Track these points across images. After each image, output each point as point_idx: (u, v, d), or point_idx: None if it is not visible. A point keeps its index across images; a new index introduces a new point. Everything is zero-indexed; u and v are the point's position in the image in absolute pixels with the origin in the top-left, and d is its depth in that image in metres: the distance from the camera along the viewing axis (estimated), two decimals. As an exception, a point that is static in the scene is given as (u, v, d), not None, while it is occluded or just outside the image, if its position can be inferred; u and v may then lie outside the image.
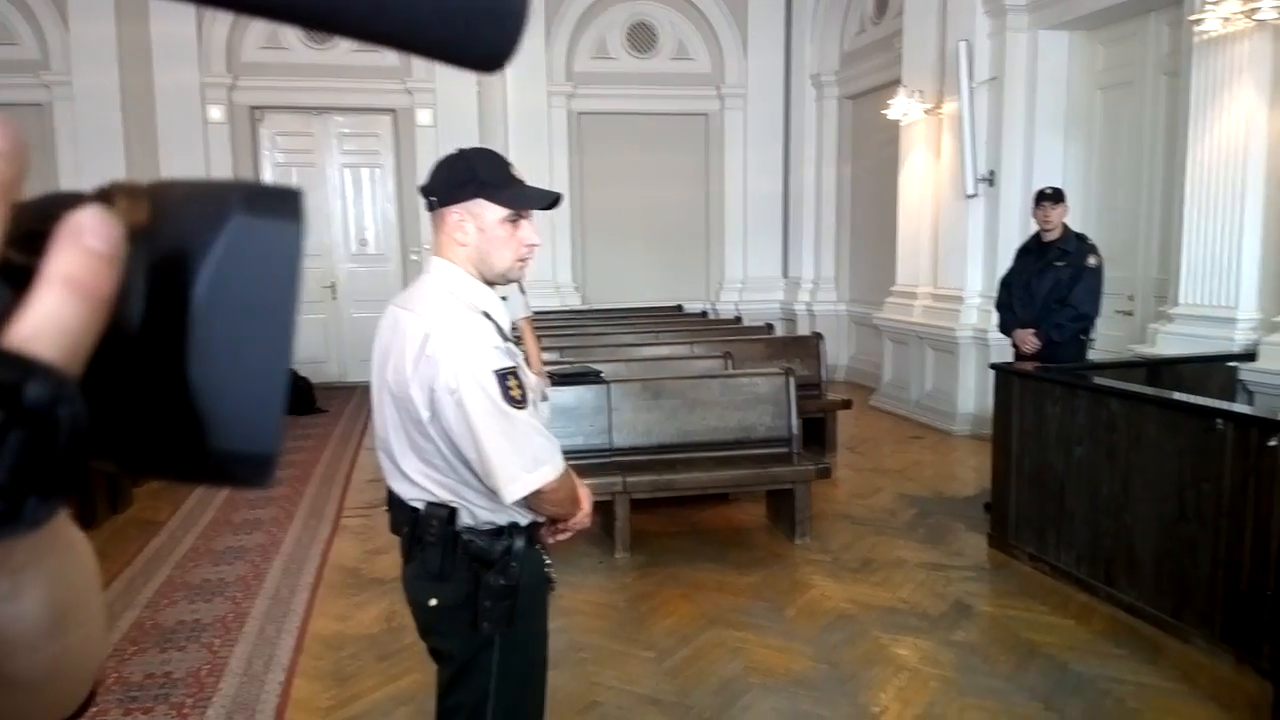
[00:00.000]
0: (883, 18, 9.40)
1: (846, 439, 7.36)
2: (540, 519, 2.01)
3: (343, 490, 6.22)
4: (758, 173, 11.04)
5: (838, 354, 10.24)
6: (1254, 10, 4.88)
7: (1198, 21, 5.20)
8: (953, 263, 7.87)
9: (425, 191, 1.93)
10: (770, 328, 8.56)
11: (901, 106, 8.11)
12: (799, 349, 7.29)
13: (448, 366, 1.79)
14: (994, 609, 4.24)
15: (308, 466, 6.87)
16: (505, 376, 1.80)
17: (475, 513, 1.91)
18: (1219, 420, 3.61)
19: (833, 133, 10.68)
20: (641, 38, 10.77)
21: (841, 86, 10.43)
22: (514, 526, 1.94)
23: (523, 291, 5.36)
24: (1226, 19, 5.03)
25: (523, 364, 1.90)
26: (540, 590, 2.06)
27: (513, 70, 10.06)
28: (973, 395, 7.53)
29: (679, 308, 10.28)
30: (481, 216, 1.88)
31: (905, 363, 8.52)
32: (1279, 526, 3.16)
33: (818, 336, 7.49)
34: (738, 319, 9.39)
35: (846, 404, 7.29)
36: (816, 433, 7.02)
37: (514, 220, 1.90)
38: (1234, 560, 3.55)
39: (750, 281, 11.24)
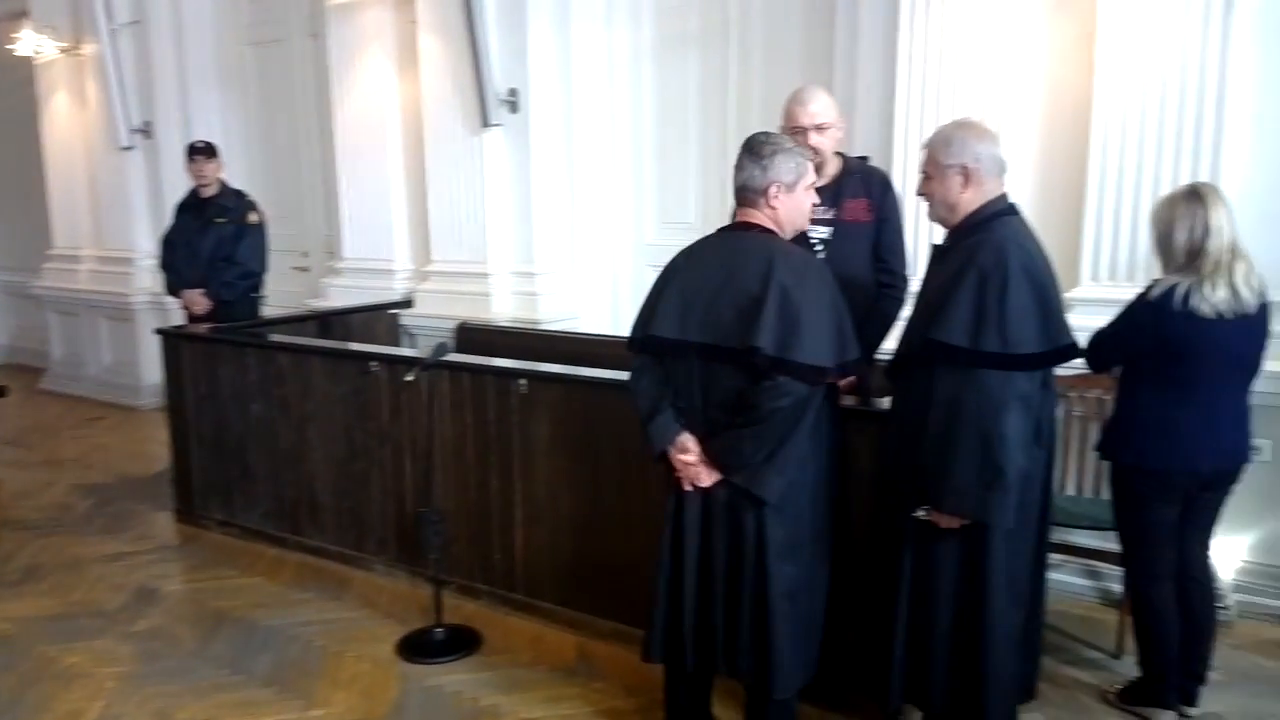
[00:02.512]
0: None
1: (8, 433, 6.28)
2: None
3: None
4: None
5: (-10, 333, 8.64)
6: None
7: (327, -14, 5.46)
8: (116, 221, 7.19)
9: None
10: None
11: (31, 42, 7.00)
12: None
13: None
14: (182, 586, 4.03)
15: None
16: None
17: None
18: (372, 363, 3.90)
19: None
20: None
21: (-45, 10, 8.60)
22: None
23: None
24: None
25: None
26: None
27: None
28: (157, 365, 6.99)
29: None
30: None
31: (78, 336, 7.59)
32: (425, 450, 3.55)
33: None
34: None
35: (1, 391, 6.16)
36: (-40, 431, 5.81)
37: None
38: (398, 487, 3.91)
39: None
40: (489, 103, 4.96)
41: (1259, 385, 2.80)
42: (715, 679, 2.70)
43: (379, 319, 5.45)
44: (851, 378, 2.88)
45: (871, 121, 4.13)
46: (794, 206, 2.48)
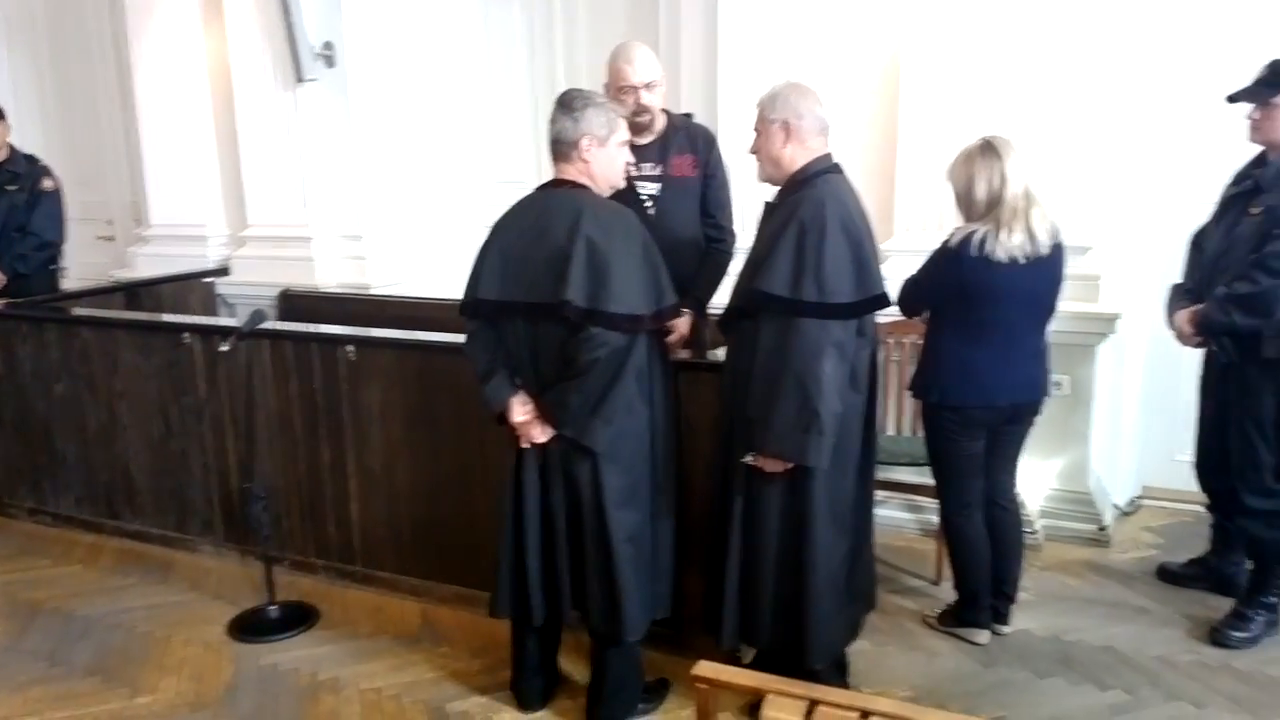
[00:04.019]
0: None
1: None
2: None
3: None
4: None
5: None
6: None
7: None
8: (-111, 191, 6.46)
9: None
10: None
11: None
12: None
13: None
14: (-10, 582, 3.76)
15: None
16: None
17: None
18: (185, 335, 3.70)
19: None
20: None
21: None
22: None
23: None
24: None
25: None
26: None
27: None
28: (-53, 347, 6.41)
29: None
30: None
31: None
32: (248, 424, 3.40)
33: None
34: None
35: None
36: None
37: None
38: (220, 464, 3.75)
39: None
40: (302, 57, 4.68)
41: (1057, 324, 3.00)
42: (562, 633, 2.75)
43: (192, 288, 5.14)
44: (684, 331, 2.94)
45: (696, 76, 4.17)
46: (607, 161, 2.51)
